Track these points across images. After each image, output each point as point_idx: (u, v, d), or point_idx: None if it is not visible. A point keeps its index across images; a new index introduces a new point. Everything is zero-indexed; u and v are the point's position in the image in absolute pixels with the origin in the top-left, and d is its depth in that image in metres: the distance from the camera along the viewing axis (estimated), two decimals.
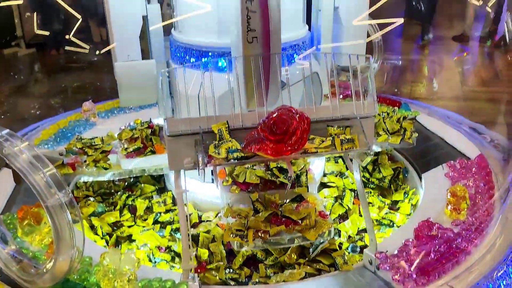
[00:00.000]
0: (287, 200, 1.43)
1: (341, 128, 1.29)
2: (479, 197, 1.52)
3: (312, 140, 1.26)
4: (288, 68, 1.38)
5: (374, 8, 1.51)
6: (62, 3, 1.29)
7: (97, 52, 1.50)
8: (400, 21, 1.30)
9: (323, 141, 1.25)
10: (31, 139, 2.01)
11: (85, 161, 1.64)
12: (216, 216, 1.73)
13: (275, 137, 1.19)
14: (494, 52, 6.13)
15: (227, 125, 1.24)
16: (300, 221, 1.33)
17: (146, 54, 1.68)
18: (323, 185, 1.98)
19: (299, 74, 1.40)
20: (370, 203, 1.87)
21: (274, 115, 1.21)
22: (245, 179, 1.46)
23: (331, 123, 1.29)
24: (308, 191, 1.48)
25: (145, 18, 1.59)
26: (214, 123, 1.25)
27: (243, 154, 1.18)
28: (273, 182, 1.46)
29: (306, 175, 1.50)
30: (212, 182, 1.67)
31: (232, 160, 1.17)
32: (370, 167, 2.02)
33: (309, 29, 1.72)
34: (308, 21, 1.75)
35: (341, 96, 1.69)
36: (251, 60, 1.30)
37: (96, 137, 1.75)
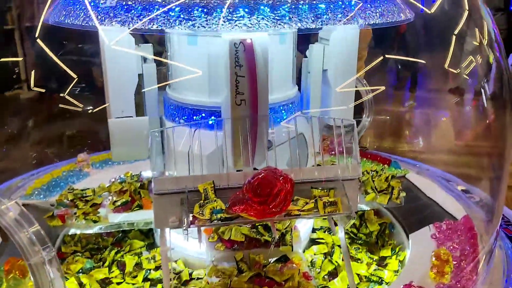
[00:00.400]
0: (272, 260, 1.44)
1: (325, 190, 1.32)
2: (464, 260, 1.53)
3: (296, 202, 1.29)
4: (275, 129, 1.42)
5: (361, 73, 1.57)
6: (58, 61, 1.34)
7: (90, 111, 1.55)
8: (382, 88, 1.35)
9: (306, 203, 1.28)
10: (25, 187, 2.04)
11: (75, 213, 1.66)
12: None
13: (259, 198, 1.22)
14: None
15: (213, 185, 1.27)
16: (283, 283, 1.34)
17: (141, 108, 1.73)
18: (312, 241, 1.98)
19: (286, 135, 1.44)
20: (359, 259, 1.88)
21: (259, 176, 1.24)
22: (230, 236, 1.47)
23: (315, 185, 1.32)
24: (292, 250, 1.49)
25: (140, 76, 1.65)
26: (201, 182, 1.28)
27: (226, 215, 1.21)
28: (258, 240, 1.48)
29: (291, 233, 1.52)
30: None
31: (215, 221, 1.19)
32: (357, 222, 2.03)
33: (299, 90, 1.78)
34: (299, 81, 1.81)
35: (332, 153, 1.73)
36: (239, 122, 1.35)
37: (88, 189, 1.77)
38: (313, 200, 1.26)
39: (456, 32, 1.63)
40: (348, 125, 1.38)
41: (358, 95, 2.09)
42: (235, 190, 1.29)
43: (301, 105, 1.78)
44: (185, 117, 1.62)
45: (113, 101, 1.63)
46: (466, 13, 1.66)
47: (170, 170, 1.50)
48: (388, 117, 2.47)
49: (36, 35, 1.30)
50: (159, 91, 1.74)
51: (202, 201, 1.25)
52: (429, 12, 1.51)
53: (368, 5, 1.31)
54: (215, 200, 1.24)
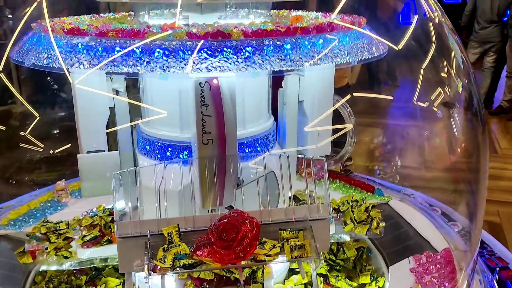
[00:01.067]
0: None
1: (294, 232, 1.29)
2: None
3: (263, 245, 1.26)
4: (245, 167, 1.39)
5: (336, 106, 1.55)
6: (21, 99, 1.33)
7: (51, 152, 1.53)
8: (349, 126, 1.33)
9: (274, 246, 1.25)
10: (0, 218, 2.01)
11: (46, 249, 1.63)
12: None
13: (223, 243, 1.19)
14: (490, 121, 6.22)
15: (177, 229, 1.24)
16: None
17: (113, 140, 1.70)
18: (292, 271, 1.95)
19: (256, 173, 1.41)
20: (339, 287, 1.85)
21: (225, 220, 1.22)
22: (199, 274, 1.44)
23: (283, 226, 1.29)
24: None
25: (112, 109, 1.62)
26: (166, 225, 1.25)
27: (190, 262, 1.18)
28: (228, 279, 1.45)
29: (263, 270, 1.48)
30: None
31: (178, 269, 1.17)
32: (334, 247, 2.00)
33: (276, 119, 1.75)
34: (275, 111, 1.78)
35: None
36: (205, 162, 1.33)
37: (62, 221, 1.74)
38: (280, 244, 1.23)
39: (424, 66, 1.61)
40: (318, 161, 1.35)
41: (341, 118, 2.08)
42: (202, 233, 1.26)
43: (277, 136, 1.76)
44: (158, 150, 1.59)
45: (84, 135, 1.61)
46: (433, 46, 1.65)
47: (141, 207, 1.48)
48: (372, 140, 2.45)
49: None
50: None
51: (166, 246, 1.22)
52: (397, 48, 1.49)
53: (336, 44, 1.29)
54: (179, 245, 1.22)
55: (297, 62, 1.21)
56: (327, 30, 1.28)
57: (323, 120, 1.70)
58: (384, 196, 2.19)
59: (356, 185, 2.27)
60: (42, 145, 1.44)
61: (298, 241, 1.26)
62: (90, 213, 1.68)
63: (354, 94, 1.30)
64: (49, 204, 2.04)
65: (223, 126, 1.31)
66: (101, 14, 1.74)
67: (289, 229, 1.28)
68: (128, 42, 1.20)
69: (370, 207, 1.83)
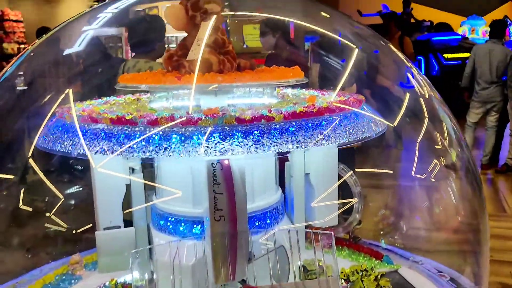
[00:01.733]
0: None
1: None
2: None
3: None
4: (255, 241, 1.45)
5: (341, 180, 1.62)
6: (47, 181, 1.41)
7: (74, 231, 1.60)
8: (354, 200, 1.40)
9: None
10: None
11: None
12: None
13: None
14: (497, 180, 6.24)
15: None
16: None
17: (128, 216, 1.77)
18: None
19: (265, 248, 1.47)
20: None
21: None
22: None
23: None
24: None
25: (128, 187, 1.71)
26: None
27: None
28: None
29: None
30: None
31: None
32: None
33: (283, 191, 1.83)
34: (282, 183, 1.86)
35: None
36: (218, 237, 1.39)
37: None
38: None
39: (418, 140, 1.71)
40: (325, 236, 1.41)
41: (347, 185, 2.14)
42: None
43: (285, 208, 1.82)
44: (171, 225, 1.66)
45: (101, 212, 1.68)
46: (426, 121, 1.74)
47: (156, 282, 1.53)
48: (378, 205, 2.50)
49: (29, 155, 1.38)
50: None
51: None
52: (392, 125, 1.59)
53: (339, 124, 1.38)
54: None
55: (302, 144, 1.31)
56: (341, 110, 1.40)
57: (329, 192, 1.78)
58: (393, 264, 2.22)
59: (365, 252, 2.30)
60: (65, 225, 1.51)
61: None
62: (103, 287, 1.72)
63: (357, 170, 1.38)
64: (63, 277, 2.08)
65: (234, 204, 1.38)
66: (116, 98, 1.86)
67: None
68: (148, 129, 1.31)
69: (379, 276, 1.86)
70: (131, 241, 1.65)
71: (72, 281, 2.08)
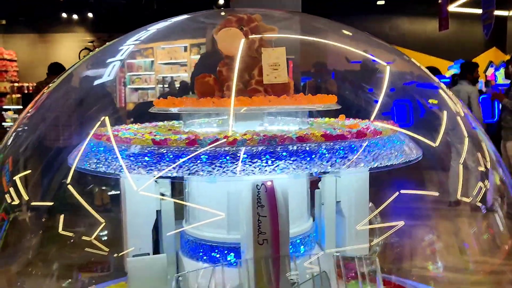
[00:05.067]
0: None
1: None
2: None
3: None
4: (298, 266, 1.42)
5: (379, 209, 1.61)
6: (87, 206, 1.38)
7: (115, 255, 1.55)
8: (401, 223, 1.39)
9: None
10: None
11: None
12: None
13: None
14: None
15: None
16: None
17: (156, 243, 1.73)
18: None
19: (308, 272, 1.44)
20: None
21: None
22: None
23: None
24: None
25: (158, 213, 1.68)
26: None
27: None
28: None
29: None
30: None
31: None
32: None
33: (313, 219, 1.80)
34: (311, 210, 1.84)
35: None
36: (261, 262, 1.36)
37: None
38: None
39: (461, 161, 1.70)
40: (369, 260, 1.39)
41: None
42: None
43: (316, 236, 1.79)
44: (202, 252, 1.62)
45: (131, 238, 1.64)
46: (466, 140, 1.75)
47: None
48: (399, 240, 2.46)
49: (68, 181, 1.36)
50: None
51: None
52: (434, 145, 1.59)
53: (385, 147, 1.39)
54: None
55: (343, 166, 1.31)
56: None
57: (359, 220, 1.76)
58: None
59: (386, 284, 2.26)
60: (107, 249, 1.47)
61: None
62: None
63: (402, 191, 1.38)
64: None
65: (278, 227, 1.36)
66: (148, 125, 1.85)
67: None
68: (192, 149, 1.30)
69: None
70: (163, 268, 1.60)
71: None
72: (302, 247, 1.65)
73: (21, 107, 8.67)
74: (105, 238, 1.72)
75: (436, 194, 1.51)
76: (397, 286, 2.22)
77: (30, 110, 1.74)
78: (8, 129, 7.42)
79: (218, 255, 1.58)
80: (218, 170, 1.27)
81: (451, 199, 1.57)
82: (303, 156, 1.30)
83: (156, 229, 1.71)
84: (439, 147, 1.47)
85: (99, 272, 2.43)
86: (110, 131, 1.47)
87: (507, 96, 6.16)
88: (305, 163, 1.27)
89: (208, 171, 1.27)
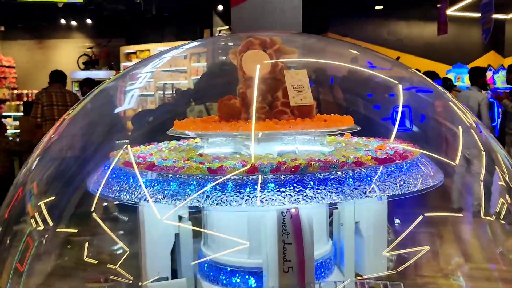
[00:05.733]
0: None
1: None
2: None
3: None
4: None
5: (406, 233, 1.59)
6: (112, 235, 1.38)
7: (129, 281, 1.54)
8: (426, 248, 1.38)
9: None
10: None
11: None
12: None
13: None
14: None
15: None
16: None
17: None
18: None
19: None
20: None
21: None
22: None
23: None
24: None
25: (176, 236, 1.66)
26: None
27: None
28: None
29: None
30: None
31: None
32: None
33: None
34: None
35: None
36: None
37: None
38: None
39: (481, 177, 1.69)
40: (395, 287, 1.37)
41: None
42: None
43: (335, 259, 1.78)
44: (223, 276, 1.60)
45: (149, 262, 1.62)
46: (483, 154, 1.73)
47: None
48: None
49: (92, 209, 1.34)
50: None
51: None
52: (455, 164, 1.58)
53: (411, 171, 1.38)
54: None
55: (365, 193, 1.30)
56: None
57: (379, 240, 1.75)
58: None
59: None
60: (131, 278, 1.45)
61: None
62: None
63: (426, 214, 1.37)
64: None
65: (303, 254, 1.35)
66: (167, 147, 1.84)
67: None
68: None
69: None
70: None
71: None
72: (322, 270, 1.63)
73: (21, 114, 8.66)
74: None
75: (461, 215, 1.49)
76: None
77: (52, 136, 1.73)
78: (10, 138, 7.43)
79: (239, 280, 1.57)
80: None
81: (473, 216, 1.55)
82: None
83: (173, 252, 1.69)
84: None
85: None
86: (131, 155, 1.45)
87: (509, 98, 6.14)
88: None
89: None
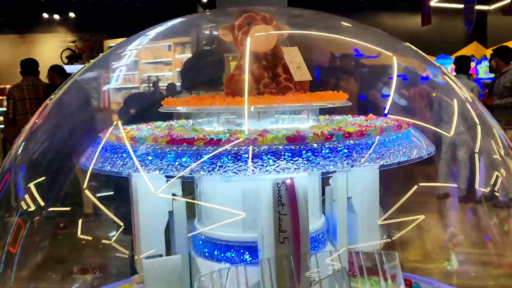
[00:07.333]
0: None
1: None
2: None
3: None
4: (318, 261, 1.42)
5: (399, 203, 1.61)
6: (106, 211, 1.37)
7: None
8: (421, 217, 1.40)
9: None
10: None
11: None
12: None
13: None
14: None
15: None
16: None
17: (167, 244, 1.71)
18: None
19: (327, 269, 1.44)
20: None
21: None
22: None
23: None
24: None
25: (170, 213, 1.66)
26: None
27: None
28: None
29: None
30: None
31: None
32: None
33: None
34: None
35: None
36: (282, 260, 1.35)
37: None
38: None
39: (476, 150, 1.70)
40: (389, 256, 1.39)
41: None
42: None
43: (328, 234, 1.79)
44: (217, 252, 1.61)
45: (143, 240, 1.62)
46: (478, 127, 1.75)
47: None
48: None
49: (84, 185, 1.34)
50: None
51: None
52: (449, 135, 1.61)
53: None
54: None
55: (356, 162, 1.32)
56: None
57: (370, 215, 1.77)
58: None
59: (393, 279, 2.27)
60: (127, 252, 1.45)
61: None
62: None
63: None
64: None
65: (298, 224, 1.36)
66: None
67: None
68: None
69: None
70: (178, 269, 1.58)
71: None
72: (316, 244, 1.65)
73: (4, 109, 8.53)
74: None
75: (455, 185, 1.52)
76: (404, 280, 2.23)
77: (36, 120, 1.72)
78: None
79: (234, 255, 1.57)
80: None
81: (466, 191, 1.58)
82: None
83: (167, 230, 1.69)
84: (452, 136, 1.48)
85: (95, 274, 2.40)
86: (122, 129, 1.45)
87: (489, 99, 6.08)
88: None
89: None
